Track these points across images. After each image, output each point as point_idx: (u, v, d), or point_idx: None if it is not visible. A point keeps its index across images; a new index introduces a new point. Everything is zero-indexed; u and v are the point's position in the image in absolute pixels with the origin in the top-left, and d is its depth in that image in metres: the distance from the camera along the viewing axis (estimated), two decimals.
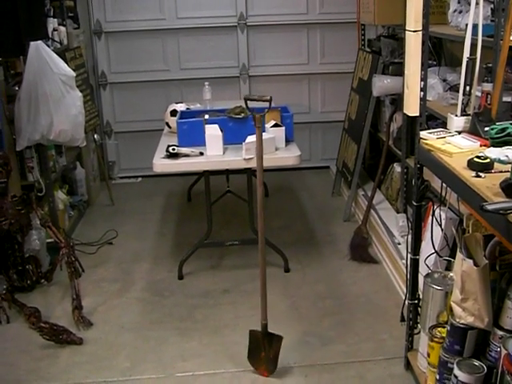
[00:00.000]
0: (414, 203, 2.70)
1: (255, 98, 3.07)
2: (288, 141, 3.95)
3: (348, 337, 3.32)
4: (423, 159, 2.57)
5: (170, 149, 3.74)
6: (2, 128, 3.96)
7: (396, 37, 4.88)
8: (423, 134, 2.55)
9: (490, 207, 1.76)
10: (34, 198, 3.90)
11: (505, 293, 2.24)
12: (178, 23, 5.91)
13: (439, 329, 2.56)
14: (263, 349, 3.03)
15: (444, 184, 2.56)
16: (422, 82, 2.54)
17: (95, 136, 5.54)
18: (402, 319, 2.98)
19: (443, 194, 2.67)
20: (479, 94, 2.59)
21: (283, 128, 3.90)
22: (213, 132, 3.77)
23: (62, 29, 4.96)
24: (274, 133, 3.82)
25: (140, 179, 6.22)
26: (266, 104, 3.00)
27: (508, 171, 1.95)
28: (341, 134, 5.55)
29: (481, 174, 2.06)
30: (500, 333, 2.24)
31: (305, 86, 6.17)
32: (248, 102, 3.05)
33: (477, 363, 2.28)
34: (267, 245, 3.69)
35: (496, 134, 2.26)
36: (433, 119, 3.53)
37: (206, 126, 3.81)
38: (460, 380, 2.26)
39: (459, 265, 2.27)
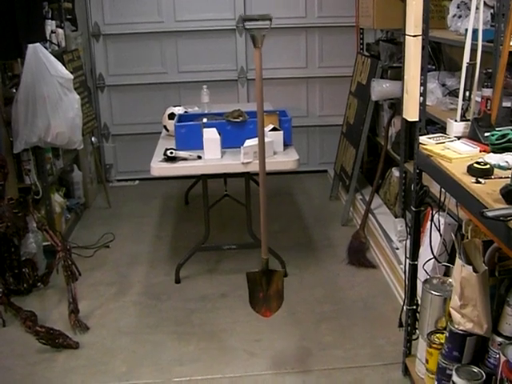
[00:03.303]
0: (413, 208, 2.69)
1: (255, 17, 2.96)
2: (286, 145, 3.94)
3: (345, 342, 3.31)
4: (422, 164, 2.56)
5: (168, 152, 3.72)
6: (0, 130, 3.95)
7: (395, 41, 4.88)
8: (422, 139, 2.53)
9: (490, 214, 1.75)
10: (31, 201, 3.88)
11: (504, 299, 2.23)
12: (176, 26, 5.90)
13: (438, 335, 2.56)
14: (261, 288, 2.98)
15: (443, 189, 2.55)
16: (422, 87, 2.53)
17: (92, 139, 5.54)
18: (400, 325, 2.96)
19: (442, 199, 2.66)
20: (479, 99, 2.58)
21: (281, 132, 3.89)
22: (211, 136, 3.76)
23: (60, 31, 4.94)
24: (272, 137, 3.81)
25: (137, 182, 6.20)
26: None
27: (508, 177, 1.94)
28: (339, 138, 5.55)
29: (481, 179, 2.05)
30: (499, 339, 2.23)
31: (303, 89, 6.17)
32: (247, 22, 2.93)
33: (475, 370, 2.27)
34: None
35: (497, 139, 2.25)
36: (431, 124, 3.52)
37: (204, 130, 3.80)
38: None
39: (458, 271, 2.26)
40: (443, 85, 3.67)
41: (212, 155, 3.75)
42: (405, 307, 2.90)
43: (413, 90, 2.51)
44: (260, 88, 2.83)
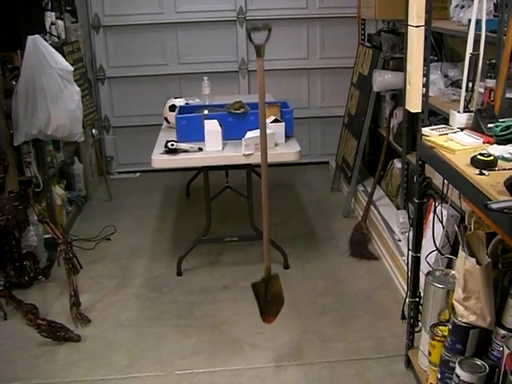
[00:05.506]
0: (416, 200, 2.68)
1: (259, 27, 2.99)
2: (288, 136, 3.92)
3: (348, 334, 3.30)
4: (425, 156, 2.54)
5: (169, 144, 3.71)
6: (0, 123, 3.93)
7: (397, 32, 4.85)
8: (425, 130, 2.52)
9: (494, 206, 1.73)
10: (32, 194, 3.87)
11: (507, 291, 2.22)
12: (176, 17, 5.87)
13: (440, 327, 2.54)
14: (261, 297, 3.02)
15: (446, 181, 2.53)
16: (425, 78, 2.51)
17: (93, 131, 5.52)
18: (403, 317, 2.96)
19: (445, 190, 2.64)
20: (482, 90, 2.56)
21: (283, 123, 3.87)
22: (212, 127, 3.74)
23: (60, 23, 4.91)
24: (273, 128, 3.79)
25: (138, 174, 6.19)
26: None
27: None
28: (340, 130, 5.52)
29: (484, 171, 2.04)
30: (502, 332, 2.22)
31: (304, 80, 6.14)
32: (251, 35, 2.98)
33: (479, 362, 2.27)
34: None
35: (501, 131, 2.23)
36: (433, 115, 3.50)
37: (205, 122, 3.78)
38: (462, 379, 2.24)
39: (461, 263, 2.25)
40: (445, 76, 3.65)
41: (213, 147, 3.73)
42: (407, 299, 2.89)
43: (415, 81, 2.49)
44: (262, 95, 2.88)
